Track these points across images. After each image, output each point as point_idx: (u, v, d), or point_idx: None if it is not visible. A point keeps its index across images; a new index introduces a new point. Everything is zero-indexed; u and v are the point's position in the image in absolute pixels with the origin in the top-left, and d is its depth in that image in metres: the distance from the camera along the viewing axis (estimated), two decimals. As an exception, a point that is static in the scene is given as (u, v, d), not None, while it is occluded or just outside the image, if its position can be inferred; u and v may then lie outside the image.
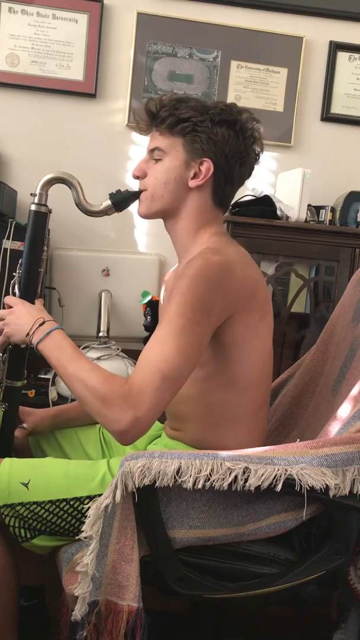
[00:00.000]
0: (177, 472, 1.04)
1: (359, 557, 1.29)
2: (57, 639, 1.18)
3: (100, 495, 1.07)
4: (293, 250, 2.28)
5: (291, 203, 2.29)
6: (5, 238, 2.12)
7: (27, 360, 1.31)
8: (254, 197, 2.31)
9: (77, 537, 1.08)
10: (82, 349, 2.18)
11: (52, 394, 2.09)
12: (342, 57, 2.59)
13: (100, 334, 2.27)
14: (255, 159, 1.29)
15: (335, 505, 1.09)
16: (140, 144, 2.48)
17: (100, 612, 1.06)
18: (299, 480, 1.04)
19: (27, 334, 1.17)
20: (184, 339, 1.07)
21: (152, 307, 2.26)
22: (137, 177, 1.29)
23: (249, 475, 1.04)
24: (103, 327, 2.29)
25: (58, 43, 2.45)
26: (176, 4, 2.49)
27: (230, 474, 1.04)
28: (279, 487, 1.04)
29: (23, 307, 1.22)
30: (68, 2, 2.43)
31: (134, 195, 1.29)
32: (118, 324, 2.44)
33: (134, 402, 1.03)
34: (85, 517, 1.06)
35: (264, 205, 2.26)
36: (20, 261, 1.29)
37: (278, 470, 1.04)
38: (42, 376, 2.21)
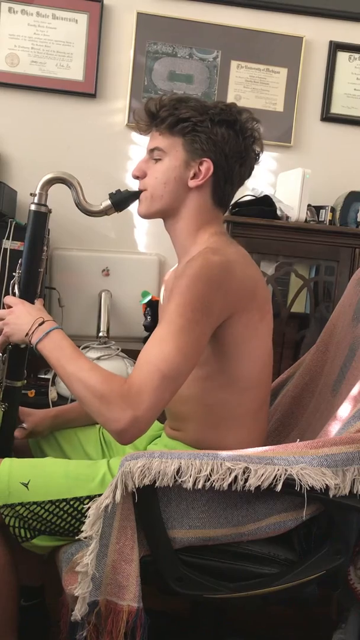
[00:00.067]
0: (177, 472, 1.04)
1: (359, 557, 1.29)
2: (57, 639, 1.18)
3: (100, 495, 1.07)
4: (293, 250, 2.28)
5: (291, 203, 2.29)
6: (5, 238, 2.12)
7: (27, 360, 1.31)
8: (254, 197, 2.31)
9: (77, 537, 1.08)
10: (82, 349, 2.18)
11: (52, 394, 2.09)
12: (342, 57, 2.60)
13: (100, 334, 2.27)
14: (255, 158, 1.29)
15: (335, 505, 1.09)
16: (140, 144, 2.48)
17: (100, 612, 1.06)
18: (299, 480, 1.04)
19: (27, 334, 1.17)
20: (183, 338, 1.07)
21: (152, 307, 2.26)
22: (136, 177, 1.29)
23: (249, 475, 1.04)
24: (103, 327, 2.29)
25: (58, 43, 2.45)
26: (176, 4, 2.49)
27: (230, 474, 1.04)
28: (279, 487, 1.04)
29: (23, 307, 1.22)
30: (68, 2, 2.43)
31: (134, 195, 1.29)
32: (118, 324, 2.44)
33: (133, 401, 1.03)
34: (85, 517, 1.06)
35: (264, 205, 2.26)
36: (20, 261, 1.29)
37: (278, 470, 1.04)
38: (42, 376, 2.21)
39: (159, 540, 1.09)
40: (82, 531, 1.05)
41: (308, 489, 1.04)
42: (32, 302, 1.26)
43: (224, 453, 1.07)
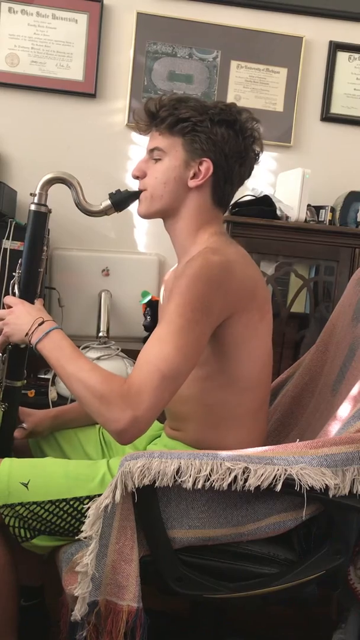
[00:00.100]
0: (177, 472, 1.04)
1: (359, 557, 1.29)
2: (57, 639, 1.18)
3: (100, 495, 1.07)
4: (293, 250, 2.28)
5: (291, 203, 2.29)
6: (5, 238, 2.12)
7: (26, 360, 1.31)
8: (254, 197, 2.31)
9: (76, 537, 1.08)
10: (82, 349, 2.18)
11: (52, 394, 2.09)
12: (341, 57, 2.59)
13: (100, 334, 2.27)
14: (255, 158, 1.29)
15: (335, 505, 1.09)
16: (140, 144, 2.48)
17: (100, 612, 1.06)
18: (299, 480, 1.04)
19: (27, 334, 1.17)
20: (183, 338, 1.07)
21: (152, 307, 2.26)
22: (136, 177, 1.29)
23: (248, 475, 1.04)
24: (103, 327, 2.29)
25: (58, 43, 2.45)
26: (176, 4, 2.49)
27: (229, 474, 1.04)
28: (278, 487, 1.04)
29: (22, 307, 1.22)
30: (68, 2, 2.43)
31: (134, 195, 1.29)
32: (118, 324, 2.44)
33: (133, 401, 1.03)
34: (85, 517, 1.06)
35: (264, 205, 2.26)
36: (20, 261, 1.29)
37: (278, 470, 1.04)
38: (42, 376, 2.21)
39: (158, 540, 1.09)
40: (82, 531, 1.05)
41: (308, 489, 1.04)
42: (32, 302, 1.26)
43: (223, 453, 1.07)
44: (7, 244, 2.11)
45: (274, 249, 2.27)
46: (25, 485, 1.16)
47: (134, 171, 1.29)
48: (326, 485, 1.04)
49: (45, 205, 1.28)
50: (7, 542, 1.20)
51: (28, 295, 1.28)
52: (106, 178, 2.47)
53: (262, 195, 2.31)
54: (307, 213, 2.31)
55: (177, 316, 1.08)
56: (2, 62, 2.43)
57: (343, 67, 2.60)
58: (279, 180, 2.49)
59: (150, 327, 2.25)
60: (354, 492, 1.07)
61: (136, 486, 1.03)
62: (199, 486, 1.04)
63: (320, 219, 2.37)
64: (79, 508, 1.15)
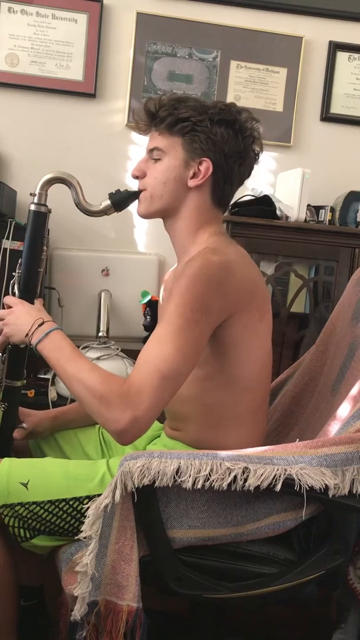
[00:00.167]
0: (177, 472, 1.04)
1: (359, 557, 1.29)
2: (56, 639, 1.18)
3: (99, 495, 1.07)
4: (292, 250, 2.28)
5: (291, 203, 2.29)
6: (5, 238, 2.12)
7: (26, 360, 1.31)
8: (254, 197, 2.31)
9: (76, 537, 1.08)
10: (82, 349, 2.18)
11: (52, 394, 2.09)
12: (341, 57, 2.59)
13: (100, 334, 2.27)
14: (254, 158, 1.29)
15: (334, 505, 1.09)
16: (139, 144, 2.48)
17: (100, 612, 1.06)
18: (299, 480, 1.04)
19: (27, 335, 1.17)
20: (182, 338, 1.07)
21: (152, 307, 2.26)
22: (136, 177, 1.29)
23: (248, 475, 1.04)
24: (103, 327, 2.29)
25: (57, 43, 2.45)
26: (176, 4, 2.49)
27: (229, 473, 1.04)
28: (278, 487, 1.04)
29: (22, 307, 1.22)
30: (68, 2, 2.43)
31: (134, 195, 1.29)
32: (118, 324, 2.44)
33: (133, 401, 1.03)
34: (85, 517, 1.06)
35: (264, 205, 2.26)
36: (19, 261, 1.29)
37: (277, 470, 1.04)
38: (42, 376, 2.21)
39: (158, 540, 1.09)
40: (82, 531, 1.05)
41: (307, 488, 1.04)
42: (32, 302, 1.26)
43: (223, 453, 1.07)
44: (7, 244, 2.11)
45: (274, 249, 2.27)
46: (25, 485, 1.16)
47: (134, 171, 1.29)
48: (326, 485, 1.04)
49: (45, 205, 1.28)
50: (7, 542, 1.20)
51: (28, 295, 1.28)
52: (106, 178, 2.47)
53: (261, 195, 2.31)
54: (306, 213, 2.31)
55: (177, 316, 1.08)
56: (2, 62, 2.43)
57: (343, 67, 2.60)
58: (279, 180, 2.49)
59: (150, 327, 2.25)
60: (354, 492, 1.07)
61: (136, 486, 1.03)
62: (199, 486, 1.04)
63: (320, 219, 2.37)
64: (79, 508, 1.15)
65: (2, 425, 1.32)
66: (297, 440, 1.11)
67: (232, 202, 1.39)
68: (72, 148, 2.50)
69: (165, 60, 2.50)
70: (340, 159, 2.63)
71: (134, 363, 1.10)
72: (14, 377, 1.31)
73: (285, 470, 1.04)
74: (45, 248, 1.30)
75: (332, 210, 2.37)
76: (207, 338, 1.13)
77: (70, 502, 1.16)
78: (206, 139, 1.22)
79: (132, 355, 2.16)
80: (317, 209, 2.39)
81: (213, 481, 1.04)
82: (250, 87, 2.55)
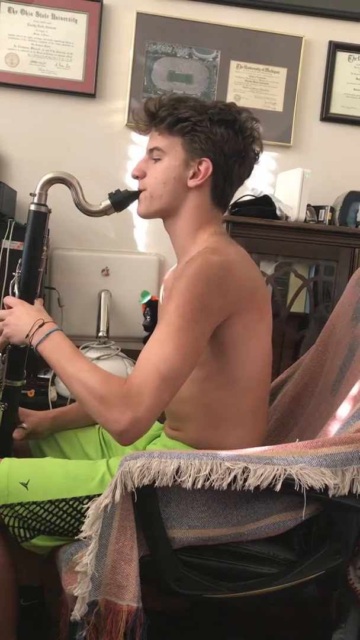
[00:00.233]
0: (177, 472, 1.04)
1: (358, 556, 1.29)
2: (56, 639, 1.18)
3: (99, 495, 1.07)
4: (292, 250, 2.28)
5: (291, 203, 2.29)
6: (5, 238, 2.12)
7: (26, 360, 1.31)
8: (254, 197, 2.31)
9: (76, 537, 1.08)
10: (82, 349, 2.18)
11: (52, 394, 2.09)
12: (341, 57, 2.59)
13: (100, 334, 2.27)
14: (254, 158, 1.29)
15: (334, 505, 1.09)
16: (139, 144, 2.48)
17: (100, 612, 1.06)
18: (298, 480, 1.04)
19: (27, 336, 1.17)
20: (183, 338, 1.07)
21: (152, 307, 2.26)
22: (136, 177, 1.29)
23: (248, 475, 1.04)
24: (102, 327, 2.29)
25: (57, 43, 2.45)
26: (176, 4, 2.49)
27: (229, 473, 1.04)
28: (278, 487, 1.04)
29: (22, 307, 1.22)
30: (67, 2, 2.43)
31: (133, 195, 1.29)
32: (117, 324, 2.44)
33: (133, 402, 1.03)
34: (85, 517, 1.06)
35: (264, 205, 2.26)
36: (19, 261, 1.29)
37: (277, 470, 1.04)
38: (42, 376, 2.21)
39: (158, 540, 1.09)
40: (82, 531, 1.05)
41: (307, 488, 1.04)
42: (32, 302, 1.26)
43: (223, 453, 1.07)
44: (7, 244, 2.11)
45: (274, 249, 2.27)
46: (25, 485, 1.16)
47: (134, 171, 1.29)
48: (326, 485, 1.04)
49: (45, 205, 1.28)
50: (7, 542, 1.20)
51: (28, 295, 1.28)
52: (106, 178, 2.47)
53: (261, 195, 2.31)
54: (306, 213, 2.31)
55: (177, 316, 1.08)
56: (2, 62, 2.43)
57: (343, 67, 2.60)
58: (279, 180, 2.49)
59: (150, 327, 2.25)
60: (354, 492, 1.07)
61: (136, 486, 1.03)
62: (199, 486, 1.04)
63: (320, 219, 2.37)
64: (79, 508, 1.15)
65: (2, 425, 1.32)
66: (297, 440, 1.11)
67: (232, 202, 1.39)
68: (72, 148, 2.50)
69: (165, 60, 2.50)
70: (340, 159, 2.63)
71: (134, 363, 1.10)
72: (14, 377, 1.31)
73: (285, 470, 1.04)
74: (45, 248, 1.30)
75: (332, 210, 2.37)
76: (207, 338, 1.13)
77: (70, 502, 1.16)
78: (206, 139, 1.22)
79: (132, 355, 2.16)
80: (317, 209, 2.39)
81: (213, 481, 1.04)
82: (250, 87, 2.55)
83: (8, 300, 1.25)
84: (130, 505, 1.07)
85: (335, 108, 2.61)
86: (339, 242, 2.27)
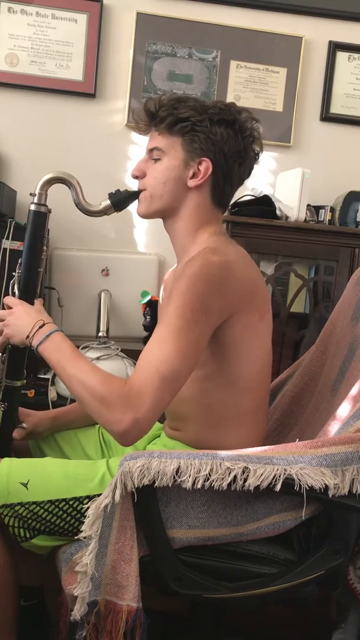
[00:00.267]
0: (177, 471, 1.04)
1: (358, 556, 1.29)
2: (56, 639, 1.18)
3: (99, 495, 1.07)
4: (292, 250, 2.28)
5: (290, 203, 2.29)
6: (5, 238, 2.12)
7: (26, 360, 1.31)
8: (254, 197, 2.31)
9: (76, 537, 1.08)
10: (82, 349, 2.18)
11: (52, 394, 2.09)
12: (341, 57, 2.59)
13: (100, 334, 2.27)
14: (254, 158, 1.29)
15: (334, 505, 1.09)
16: (139, 144, 2.48)
17: (100, 612, 1.06)
18: (298, 480, 1.04)
19: (27, 336, 1.17)
20: (183, 339, 1.07)
21: (152, 307, 2.26)
22: (136, 177, 1.29)
23: (248, 475, 1.04)
24: (102, 327, 2.29)
25: (57, 43, 2.45)
26: (176, 4, 2.49)
27: (229, 473, 1.04)
28: (278, 487, 1.04)
29: (22, 308, 1.22)
30: (67, 2, 2.43)
31: (133, 195, 1.29)
32: (117, 324, 2.44)
33: (134, 402, 1.03)
34: (85, 517, 1.06)
35: (264, 205, 2.26)
36: (19, 261, 1.29)
37: (277, 470, 1.04)
38: (42, 376, 2.21)
39: (158, 540, 1.09)
40: (82, 531, 1.05)
41: (307, 488, 1.04)
42: (32, 302, 1.26)
43: (223, 453, 1.07)
44: (7, 244, 2.11)
45: (274, 249, 2.27)
46: (25, 485, 1.16)
47: (134, 171, 1.29)
48: (325, 485, 1.04)
49: (45, 205, 1.28)
50: (7, 542, 1.20)
51: (28, 295, 1.28)
52: (106, 178, 2.47)
53: (261, 195, 2.31)
54: (306, 213, 2.32)
55: (177, 317, 1.08)
56: (2, 62, 2.43)
57: (343, 67, 2.60)
58: (279, 180, 2.49)
59: (150, 327, 2.25)
60: (354, 491, 1.07)
61: (136, 486, 1.03)
62: (199, 486, 1.04)
63: (319, 219, 2.37)
64: (79, 508, 1.15)
65: (2, 425, 1.32)
66: (297, 440, 1.11)
67: (232, 202, 1.39)
68: (72, 148, 2.50)
69: (165, 60, 2.50)
70: (340, 159, 2.63)
71: (134, 363, 1.10)
72: (14, 377, 1.31)
73: (285, 470, 1.04)
74: (45, 248, 1.30)
75: (332, 210, 2.37)
76: (208, 338, 1.13)
77: (70, 502, 1.16)
78: (206, 138, 1.22)
79: (132, 355, 2.16)
80: (317, 209, 2.39)
81: (213, 481, 1.04)
82: (250, 87, 2.55)
83: (8, 300, 1.25)
84: (130, 505, 1.07)
85: (335, 108, 2.61)
86: (339, 242, 2.27)
